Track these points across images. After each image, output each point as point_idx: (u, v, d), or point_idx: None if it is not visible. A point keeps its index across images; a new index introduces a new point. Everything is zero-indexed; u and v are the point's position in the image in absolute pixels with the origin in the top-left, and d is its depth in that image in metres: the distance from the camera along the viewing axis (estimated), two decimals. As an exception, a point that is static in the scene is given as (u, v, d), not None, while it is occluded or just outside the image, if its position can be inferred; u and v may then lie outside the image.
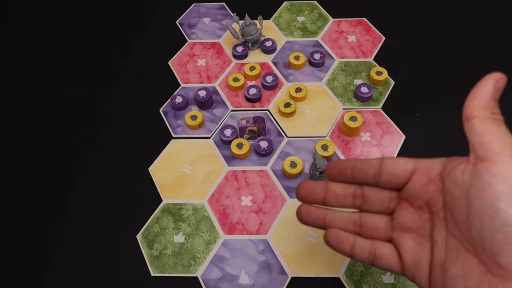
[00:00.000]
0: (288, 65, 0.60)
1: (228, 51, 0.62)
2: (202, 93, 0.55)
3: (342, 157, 0.51)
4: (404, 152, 0.51)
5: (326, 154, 0.49)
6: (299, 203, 0.47)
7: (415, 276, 0.26)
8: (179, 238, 0.45)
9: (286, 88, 0.57)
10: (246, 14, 0.60)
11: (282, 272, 0.43)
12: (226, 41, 0.64)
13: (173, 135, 0.54)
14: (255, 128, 0.53)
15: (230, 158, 0.51)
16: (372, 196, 0.29)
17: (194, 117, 0.53)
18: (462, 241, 0.23)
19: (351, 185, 0.31)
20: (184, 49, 0.63)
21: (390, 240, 0.29)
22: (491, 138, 0.22)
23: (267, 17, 0.67)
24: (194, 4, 0.70)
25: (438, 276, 0.24)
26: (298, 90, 0.55)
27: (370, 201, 0.30)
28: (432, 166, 0.26)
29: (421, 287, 0.26)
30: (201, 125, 0.54)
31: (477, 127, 0.22)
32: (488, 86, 0.23)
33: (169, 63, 0.61)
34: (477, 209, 0.21)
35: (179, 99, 0.55)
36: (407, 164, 0.27)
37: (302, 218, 0.32)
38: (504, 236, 0.20)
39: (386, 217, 0.29)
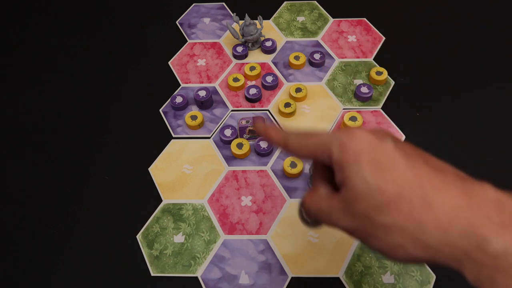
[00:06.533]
0: (288, 65, 0.60)
1: (228, 51, 0.62)
2: (202, 93, 0.55)
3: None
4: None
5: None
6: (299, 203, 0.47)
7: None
8: (179, 238, 0.45)
9: (286, 88, 0.57)
10: (246, 14, 0.60)
11: (282, 272, 0.43)
12: (226, 41, 0.64)
13: (173, 135, 0.54)
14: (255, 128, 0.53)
15: (230, 158, 0.51)
16: None
17: (194, 117, 0.53)
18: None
19: None
20: (184, 49, 0.63)
21: None
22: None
23: (267, 17, 0.67)
24: (194, 4, 0.70)
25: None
26: (298, 90, 0.55)
27: None
28: None
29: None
30: (201, 125, 0.54)
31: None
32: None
33: (169, 63, 0.61)
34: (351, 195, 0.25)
35: (179, 99, 0.55)
36: None
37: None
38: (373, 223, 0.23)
39: None
